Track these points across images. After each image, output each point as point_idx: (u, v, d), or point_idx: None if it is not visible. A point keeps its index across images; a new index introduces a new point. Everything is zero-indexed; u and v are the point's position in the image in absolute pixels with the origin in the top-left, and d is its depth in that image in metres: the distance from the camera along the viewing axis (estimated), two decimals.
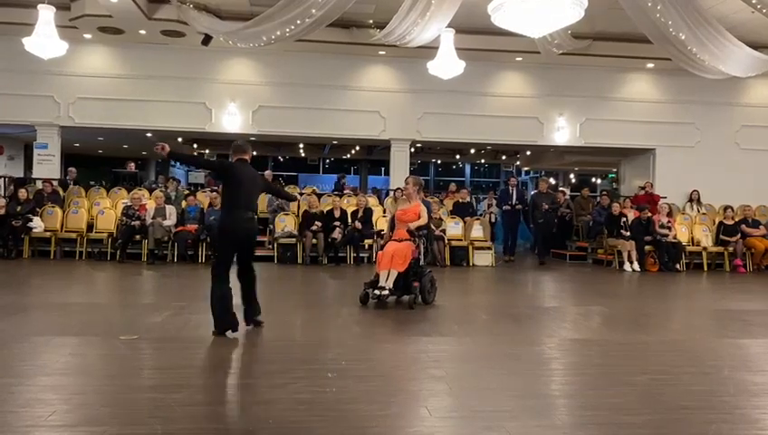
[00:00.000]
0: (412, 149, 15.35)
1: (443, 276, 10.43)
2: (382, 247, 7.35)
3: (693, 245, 12.60)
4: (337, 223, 11.58)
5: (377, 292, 6.75)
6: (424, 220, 7.16)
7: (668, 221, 12.31)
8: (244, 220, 5.41)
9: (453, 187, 16.37)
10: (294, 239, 11.61)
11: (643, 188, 14.24)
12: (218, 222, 5.92)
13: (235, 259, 5.50)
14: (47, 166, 13.40)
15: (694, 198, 14.10)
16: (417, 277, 6.95)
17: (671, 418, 3.54)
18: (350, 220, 11.78)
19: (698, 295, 9.76)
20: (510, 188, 13.13)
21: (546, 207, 12.60)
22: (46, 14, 9.88)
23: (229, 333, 5.26)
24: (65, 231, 11.54)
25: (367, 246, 11.75)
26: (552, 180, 12.93)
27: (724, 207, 13.33)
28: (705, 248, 12.45)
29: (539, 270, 11.72)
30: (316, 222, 11.52)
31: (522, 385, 4.13)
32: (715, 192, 14.22)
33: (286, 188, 12.95)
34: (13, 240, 11.05)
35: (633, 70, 14.67)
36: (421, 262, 7.09)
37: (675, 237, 12.06)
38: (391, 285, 6.78)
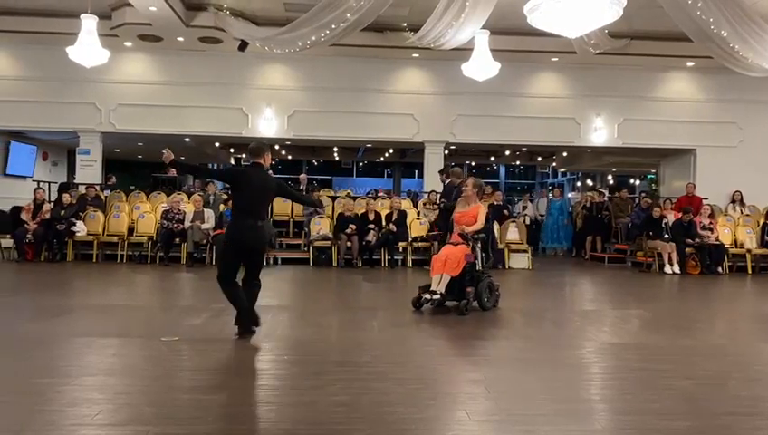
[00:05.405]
0: (446, 152, 15.29)
1: None
2: (438, 251, 7.21)
3: (736, 247, 12.28)
4: (371, 226, 11.63)
5: (428, 296, 6.66)
6: (481, 224, 6.94)
7: (710, 223, 12.03)
8: (247, 228, 5.18)
9: (488, 189, 16.23)
10: (329, 242, 11.68)
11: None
12: (226, 229, 5.83)
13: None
14: (89, 171, 13.75)
15: (736, 199, 13.72)
16: (473, 282, 6.75)
17: (716, 424, 3.45)
18: (384, 223, 11.81)
19: (743, 299, 9.50)
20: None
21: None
22: (89, 23, 10.14)
23: (257, 329, 5.35)
24: (107, 235, 11.83)
25: (401, 249, 11.78)
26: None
27: None
28: (749, 251, 12.12)
29: (576, 273, 11.55)
30: (350, 225, 11.57)
31: (560, 389, 4.08)
32: (759, 193, 13.80)
33: (319, 192, 13.03)
34: (57, 243, 11.39)
35: (672, 69, 14.37)
36: (478, 266, 6.84)
37: (717, 239, 11.77)
38: (443, 290, 6.66)
